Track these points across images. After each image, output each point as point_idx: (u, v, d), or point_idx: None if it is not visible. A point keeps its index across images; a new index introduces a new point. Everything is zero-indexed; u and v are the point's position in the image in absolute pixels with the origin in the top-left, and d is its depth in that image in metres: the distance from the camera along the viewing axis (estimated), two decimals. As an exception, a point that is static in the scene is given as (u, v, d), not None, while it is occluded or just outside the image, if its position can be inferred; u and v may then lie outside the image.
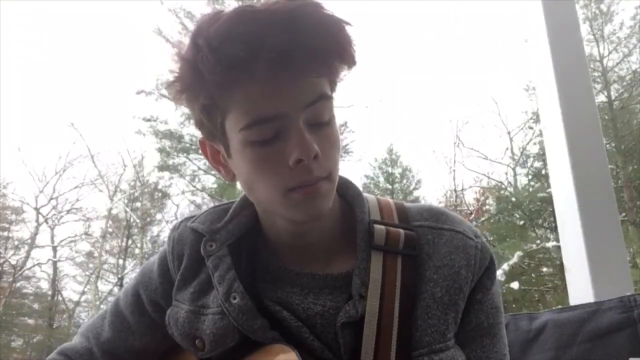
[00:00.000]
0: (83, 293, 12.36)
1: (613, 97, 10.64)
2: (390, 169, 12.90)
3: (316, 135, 0.62)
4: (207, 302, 0.71)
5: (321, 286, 0.69)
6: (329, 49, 0.60)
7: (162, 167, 11.90)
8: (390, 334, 0.63)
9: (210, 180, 11.99)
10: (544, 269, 9.60)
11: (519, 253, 8.52)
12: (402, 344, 0.63)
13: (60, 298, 12.50)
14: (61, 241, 12.22)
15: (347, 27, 0.61)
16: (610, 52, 10.90)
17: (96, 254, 12.20)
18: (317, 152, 0.61)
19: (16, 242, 12.25)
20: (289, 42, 0.57)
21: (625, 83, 10.82)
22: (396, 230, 0.70)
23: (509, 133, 11.33)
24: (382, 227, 0.70)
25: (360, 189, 0.77)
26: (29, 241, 12.01)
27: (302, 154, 0.60)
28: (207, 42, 0.58)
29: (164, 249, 0.80)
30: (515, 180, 11.31)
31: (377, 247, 0.69)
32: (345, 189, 0.75)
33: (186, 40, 0.63)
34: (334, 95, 0.67)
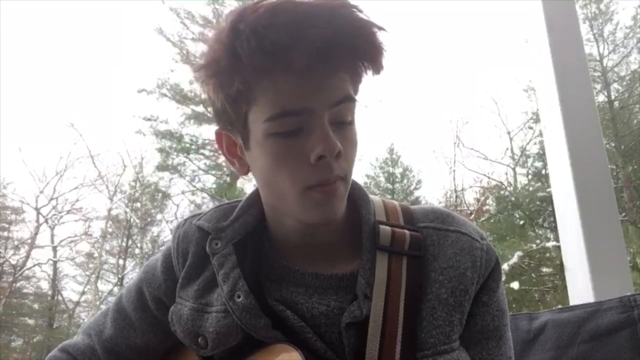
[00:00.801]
0: (83, 293, 12.37)
1: (613, 97, 10.64)
2: (391, 169, 12.91)
3: (337, 134, 0.63)
4: (211, 300, 0.71)
5: (326, 286, 0.69)
6: (364, 50, 0.61)
7: (162, 167, 11.90)
8: (395, 335, 0.63)
9: (210, 180, 12.01)
10: (544, 269, 9.59)
11: (518, 253, 8.51)
12: (407, 345, 0.63)
13: (60, 298, 12.51)
14: (61, 241, 12.23)
15: (382, 33, 0.62)
16: (610, 52, 10.91)
17: (96, 254, 12.20)
18: (341, 150, 0.62)
19: (16, 242, 12.26)
20: (328, 38, 0.58)
21: (625, 83, 10.82)
22: (402, 231, 0.70)
23: (508, 133, 11.34)
24: (388, 227, 0.70)
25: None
26: (29, 241, 12.01)
27: (325, 151, 0.61)
28: (250, 27, 0.58)
29: (168, 246, 0.80)
30: (515, 180, 11.32)
31: (382, 247, 0.69)
32: (352, 189, 0.75)
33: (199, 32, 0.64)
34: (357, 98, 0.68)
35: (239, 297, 0.67)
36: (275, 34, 0.57)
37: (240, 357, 0.67)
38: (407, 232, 0.70)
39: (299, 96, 0.61)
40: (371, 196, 0.76)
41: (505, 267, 8.19)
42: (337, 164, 0.63)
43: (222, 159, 11.75)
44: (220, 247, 0.72)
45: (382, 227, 0.70)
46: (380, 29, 0.62)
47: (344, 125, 0.64)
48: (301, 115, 0.61)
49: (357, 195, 0.75)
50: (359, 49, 0.61)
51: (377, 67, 0.64)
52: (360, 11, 0.61)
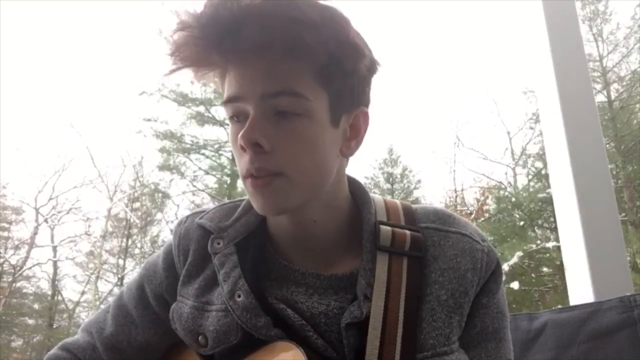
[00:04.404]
0: (83, 293, 12.37)
1: (613, 97, 10.64)
2: (390, 169, 12.91)
3: (278, 126, 0.62)
4: (212, 298, 0.71)
5: (326, 286, 0.69)
6: (301, 45, 0.60)
7: (162, 167, 11.91)
8: (394, 336, 0.63)
9: (211, 181, 12.02)
10: (544, 269, 9.59)
11: (519, 253, 8.52)
12: (407, 346, 0.63)
13: (60, 298, 12.50)
14: (61, 241, 12.23)
15: (327, 26, 0.61)
16: (609, 52, 10.91)
17: (96, 254, 12.20)
18: (259, 142, 0.61)
19: (16, 242, 12.26)
20: (261, 31, 0.59)
21: (624, 83, 10.81)
22: (402, 232, 0.70)
23: (508, 133, 11.34)
24: (388, 228, 0.70)
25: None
26: (29, 241, 12.02)
27: (241, 140, 0.61)
28: (197, 19, 0.62)
29: (169, 243, 0.80)
30: (515, 181, 11.32)
31: (382, 248, 0.68)
32: (353, 189, 0.75)
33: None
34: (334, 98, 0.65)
35: (239, 296, 0.67)
36: (214, 26, 0.60)
37: (241, 355, 0.67)
38: (407, 232, 0.70)
39: (237, 84, 0.63)
40: (372, 195, 0.76)
41: (505, 267, 8.19)
42: (266, 157, 0.62)
43: (222, 159, 11.78)
44: (221, 247, 0.72)
45: (382, 227, 0.70)
46: (324, 22, 0.60)
47: (285, 117, 0.62)
48: (237, 102, 0.63)
49: (358, 195, 0.74)
50: (295, 44, 0.59)
51: (320, 63, 0.62)
52: (309, 6, 0.61)
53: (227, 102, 0.64)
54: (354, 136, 0.70)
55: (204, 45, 0.61)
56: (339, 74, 0.64)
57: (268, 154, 0.62)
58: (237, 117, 0.65)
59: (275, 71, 0.61)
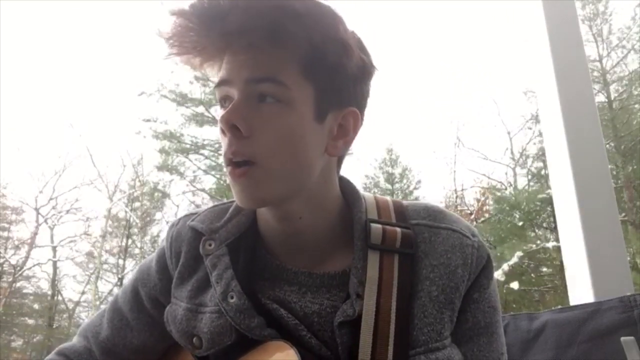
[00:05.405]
0: (83, 293, 12.38)
1: (612, 97, 10.64)
2: (390, 169, 12.91)
3: (259, 112, 0.62)
4: (205, 300, 0.71)
5: (319, 285, 0.69)
6: (282, 36, 0.61)
7: (162, 168, 11.92)
8: (387, 333, 0.63)
9: (210, 181, 12.02)
10: (544, 269, 9.60)
11: (518, 253, 8.52)
12: (399, 343, 0.63)
13: (60, 298, 12.51)
14: (61, 241, 12.24)
15: (310, 18, 0.61)
16: (609, 52, 10.92)
17: (96, 254, 12.21)
18: (237, 125, 0.61)
19: (16, 242, 12.26)
20: (246, 19, 0.60)
21: (624, 82, 10.82)
22: (393, 229, 0.70)
23: (508, 133, 11.35)
24: (379, 226, 0.70)
25: (360, 188, 0.76)
26: (29, 241, 12.02)
27: (220, 122, 0.62)
28: (191, 5, 0.62)
29: (162, 245, 0.80)
30: (515, 181, 11.33)
31: (373, 246, 0.68)
32: (343, 187, 0.75)
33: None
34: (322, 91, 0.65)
35: (232, 297, 0.67)
36: (205, 13, 0.61)
37: (236, 356, 0.67)
38: (398, 229, 0.70)
39: (225, 68, 0.64)
40: (363, 193, 0.75)
41: (505, 267, 8.19)
42: (244, 143, 0.62)
43: (221, 160, 11.78)
44: (213, 249, 0.71)
45: (373, 225, 0.70)
46: (305, 13, 0.61)
47: (267, 103, 0.62)
48: (225, 85, 0.64)
49: (348, 194, 0.74)
50: (278, 32, 0.60)
51: (303, 54, 0.62)
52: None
53: (217, 85, 0.66)
54: (341, 136, 0.69)
55: (197, 32, 0.62)
56: (324, 68, 0.64)
57: (246, 139, 0.62)
58: (225, 102, 0.66)
59: (261, 58, 0.62)
